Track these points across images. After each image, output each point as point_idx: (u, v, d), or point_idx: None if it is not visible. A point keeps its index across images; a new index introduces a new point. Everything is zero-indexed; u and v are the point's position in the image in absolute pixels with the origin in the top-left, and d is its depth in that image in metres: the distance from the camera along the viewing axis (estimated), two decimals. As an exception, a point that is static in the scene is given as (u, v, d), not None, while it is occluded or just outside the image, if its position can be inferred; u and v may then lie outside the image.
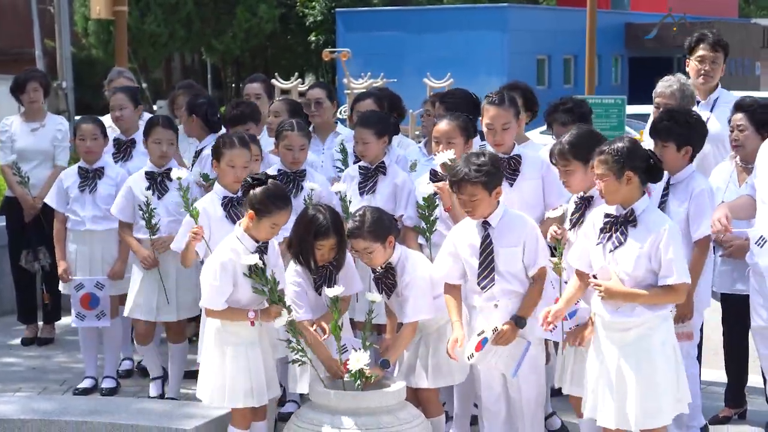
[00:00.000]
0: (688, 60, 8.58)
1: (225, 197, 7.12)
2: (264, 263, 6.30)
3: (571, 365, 6.37)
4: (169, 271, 7.86)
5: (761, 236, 6.93)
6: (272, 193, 6.32)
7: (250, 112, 8.33)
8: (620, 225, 5.91)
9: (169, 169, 7.91)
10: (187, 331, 9.59)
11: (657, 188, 6.90)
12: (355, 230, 6.45)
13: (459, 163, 6.44)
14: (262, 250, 6.36)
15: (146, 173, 7.96)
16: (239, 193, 6.95)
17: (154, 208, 7.74)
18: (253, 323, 6.31)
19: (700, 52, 8.47)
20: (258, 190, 6.31)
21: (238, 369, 6.36)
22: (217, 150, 7.16)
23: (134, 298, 7.91)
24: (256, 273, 6.24)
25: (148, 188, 7.84)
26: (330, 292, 6.28)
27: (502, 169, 6.50)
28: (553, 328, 6.18)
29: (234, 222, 6.86)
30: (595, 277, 5.97)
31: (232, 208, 7.05)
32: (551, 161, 6.53)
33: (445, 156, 6.89)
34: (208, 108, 8.69)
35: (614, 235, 5.92)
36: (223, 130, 8.63)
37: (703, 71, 8.48)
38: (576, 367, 6.30)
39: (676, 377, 5.96)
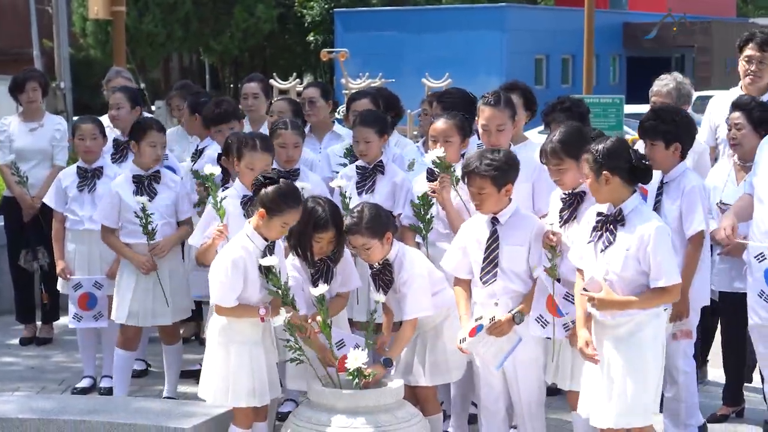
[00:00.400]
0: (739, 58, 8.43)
1: (244, 196, 7.02)
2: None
3: (570, 361, 6.37)
4: (164, 274, 7.85)
5: (761, 252, 6.91)
6: (284, 192, 6.29)
7: (233, 110, 8.28)
8: (609, 224, 5.92)
9: (157, 172, 7.90)
10: (185, 331, 9.63)
11: (651, 187, 6.91)
12: (353, 226, 6.45)
13: (472, 157, 6.48)
14: (270, 249, 6.36)
15: (134, 177, 7.87)
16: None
17: (152, 213, 7.70)
18: (263, 319, 6.29)
19: (748, 51, 8.31)
20: (270, 189, 6.28)
21: (242, 367, 6.34)
22: (239, 150, 7.04)
23: (129, 306, 7.81)
24: (272, 275, 6.24)
25: (137, 192, 7.78)
26: (315, 291, 6.27)
27: (516, 169, 6.49)
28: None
29: None
30: (585, 289, 5.96)
31: (251, 206, 6.96)
32: (542, 161, 6.47)
33: (434, 154, 6.91)
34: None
35: (605, 235, 5.93)
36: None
37: (750, 71, 8.31)
38: (576, 362, 6.30)
39: (660, 376, 5.96)
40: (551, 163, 6.35)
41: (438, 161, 6.90)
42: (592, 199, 6.22)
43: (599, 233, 5.95)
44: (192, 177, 8.08)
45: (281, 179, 6.38)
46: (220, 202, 6.80)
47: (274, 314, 6.27)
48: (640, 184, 6.09)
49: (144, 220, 7.65)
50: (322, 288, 6.28)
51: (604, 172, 5.85)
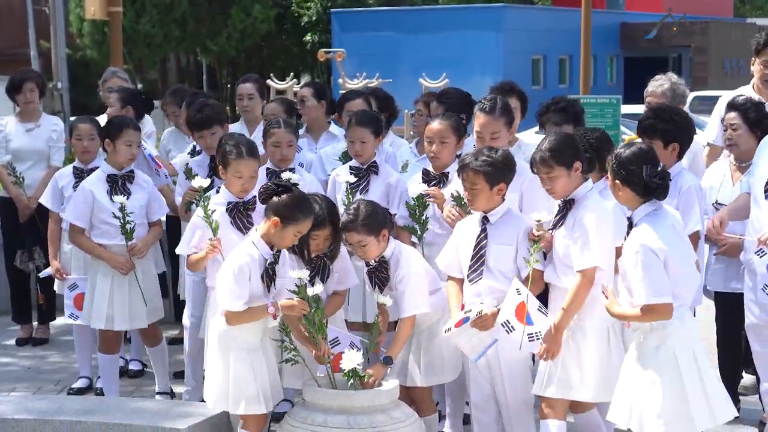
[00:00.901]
0: (754, 60, 8.35)
1: (230, 203, 6.93)
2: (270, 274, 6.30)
3: (546, 365, 6.27)
4: (138, 275, 7.79)
5: (761, 248, 6.91)
6: (299, 201, 6.26)
7: (215, 115, 8.05)
8: (627, 230, 5.93)
9: (131, 172, 7.84)
10: (181, 331, 9.63)
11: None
12: (349, 223, 6.46)
13: (470, 153, 6.49)
14: (276, 257, 6.32)
15: (108, 176, 7.78)
16: (245, 199, 6.90)
17: (132, 212, 7.63)
18: (275, 317, 6.26)
19: (765, 56, 8.17)
20: (285, 197, 6.22)
21: (243, 374, 6.29)
22: (224, 158, 6.91)
23: (106, 310, 7.74)
24: (299, 288, 6.22)
25: (110, 192, 7.70)
26: (310, 291, 6.25)
27: (512, 170, 6.48)
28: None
29: (237, 227, 6.81)
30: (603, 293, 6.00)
31: (237, 213, 6.91)
32: (532, 170, 6.38)
33: (453, 187, 6.87)
34: None
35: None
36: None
37: (767, 76, 8.23)
38: (551, 369, 6.23)
39: (676, 389, 5.74)
40: (542, 171, 6.26)
41: (456, 194, 6.86)
42: (581, 205, 6.19)
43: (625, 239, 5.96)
44: (185, 176, 8.00)
45: (294, 186, 6.34)
46: (212, 213, 6.75)
47: (286, 311, 6.23)
48: None
49: (123, 220, 7.58)
50: (318, 288, 6.28)
51: (616, 181, 5.85)
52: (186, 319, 7.92)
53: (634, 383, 5.83)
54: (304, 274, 6.25)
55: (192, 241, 6.91)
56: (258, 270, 6.25)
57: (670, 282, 5.70)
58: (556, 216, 6.38)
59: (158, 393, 8.06)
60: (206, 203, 6.77)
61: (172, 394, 8.09)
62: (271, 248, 6.30)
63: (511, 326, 6.22)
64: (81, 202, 7.76)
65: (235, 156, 6.86)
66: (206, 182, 6.88)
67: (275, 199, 6.24)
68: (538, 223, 6.30)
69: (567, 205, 6.29)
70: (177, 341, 9.24)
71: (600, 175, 6.65)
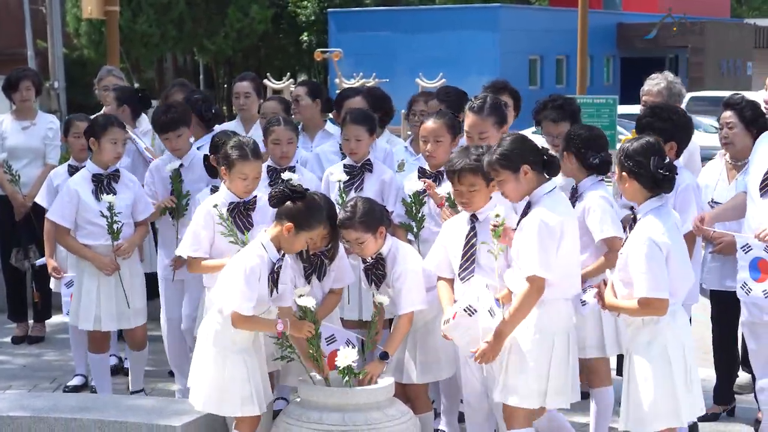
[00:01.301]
0: None
1: (231, 203, 6.87)
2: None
3: (501, 370, 6.16)
4: (124, 275, 7.77)
5: (746, 243, 6.91)
6: (315, 208, 6.25)
7: (179, 117, 7.94)
8: (629, 225, 5.93)
9: (117, 171, 7.80)
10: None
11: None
12: (347, 220, 6.45)
13: (455, 155, 6.45)
14: (281, 260, 6.29)
15: (93, 176, 7.73)
16: (245, 199, 6.88)
17: (119, 213, 7.59)
18: (280, 335, 6.24)
19: None
20: (301, 204, 6.19)
21: (238, 376, 6.25)
22: (227, 159, 6.81)
23: (94, 310, 7.72)
24: (308, 312, 6.23)
25: (96, 191, 7.67)
26: (301, 301, 6.23)
27: None
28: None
29: (237, 227, 6.76)
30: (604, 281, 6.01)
31: (238, 213, 6.86)
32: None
33: (447, 189, 6.87)
34: (203, 105, 8.65)
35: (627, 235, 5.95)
36: (218, 127, 8.58)
37: None
38: (506, 377, 6.13)
39: (667, 385, 5.77)
40: (491, 174, 6.14)
41: (448, 195, 6.85)
42: (533, 211, 6.04)
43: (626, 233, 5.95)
44: (171, 181, 7.95)
45: (307, 191, 6.31)
46: (227, 219, 6.68)
47: (294, 331, 6.22)
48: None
49: (110, 220, 7.56)
50: (310, 301, 6.26)
51: (623, 173, 5.84)
52: (163, 320, 7.92)
53: (627, 379, 5.85)
54: (310, 302, 6.23)
55: (203, 245, 6.83)
56: (266, 272, 6.20)
57: (669, 278, 5.72)
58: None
59: (132, 392, 8.04)
60: (229, 222, 6.68)
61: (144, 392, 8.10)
62: (279, 250, 6.28)
63: (473, 309, 6.11)
64: (66, 202, 7.73)
65: (240, 158, 6.79)
66: (224, 207, 6.79)
67: (290, 204, 6.20)
68: (497, 218, 6.21)
69: (526, 207, 6.15)
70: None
71: (588, 173, 6.63)
